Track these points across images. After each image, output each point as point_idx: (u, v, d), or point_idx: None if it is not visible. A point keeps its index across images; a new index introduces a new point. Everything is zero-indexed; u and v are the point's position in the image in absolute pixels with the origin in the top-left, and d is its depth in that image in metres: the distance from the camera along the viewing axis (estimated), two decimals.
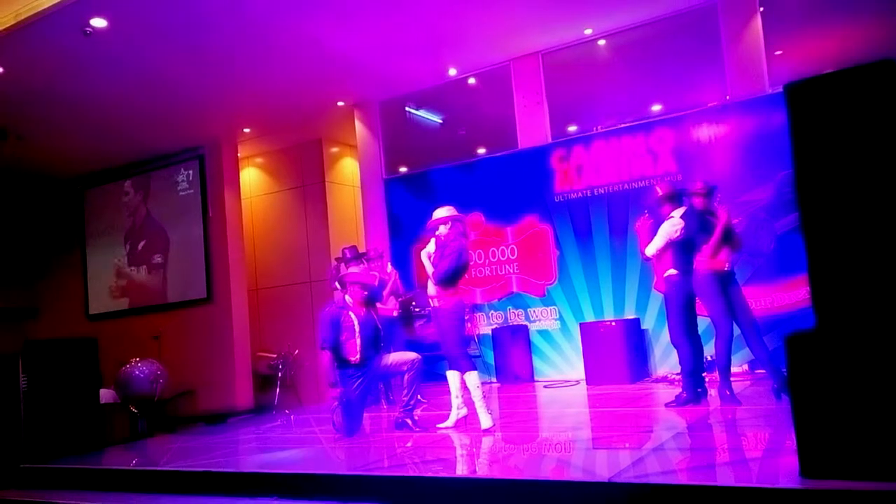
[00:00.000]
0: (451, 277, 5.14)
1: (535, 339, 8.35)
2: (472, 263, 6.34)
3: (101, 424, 6.78)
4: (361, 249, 8.04)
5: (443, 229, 5.26)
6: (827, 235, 2.92)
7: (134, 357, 9.26)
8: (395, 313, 7.17)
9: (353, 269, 6.53)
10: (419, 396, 6.11)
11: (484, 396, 5.10)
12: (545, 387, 7.64)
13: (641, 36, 8.10)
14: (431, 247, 5.28)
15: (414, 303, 7.59)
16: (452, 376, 5.20)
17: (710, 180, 5.55)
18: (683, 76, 8.16)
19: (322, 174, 10.98)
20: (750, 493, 2.86)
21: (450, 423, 5.27)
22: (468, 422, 5.25)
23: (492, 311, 8.66)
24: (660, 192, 5.62)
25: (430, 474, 3.95)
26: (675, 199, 5.51)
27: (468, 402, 5.21)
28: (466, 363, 5.13)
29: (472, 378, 5.06)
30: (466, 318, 5.44)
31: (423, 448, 4.72)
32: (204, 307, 10.40)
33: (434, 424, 5.35)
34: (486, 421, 5.00)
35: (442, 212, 5.31)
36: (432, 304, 5.31)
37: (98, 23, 6.72)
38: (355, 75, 8.79)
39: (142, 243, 11.18)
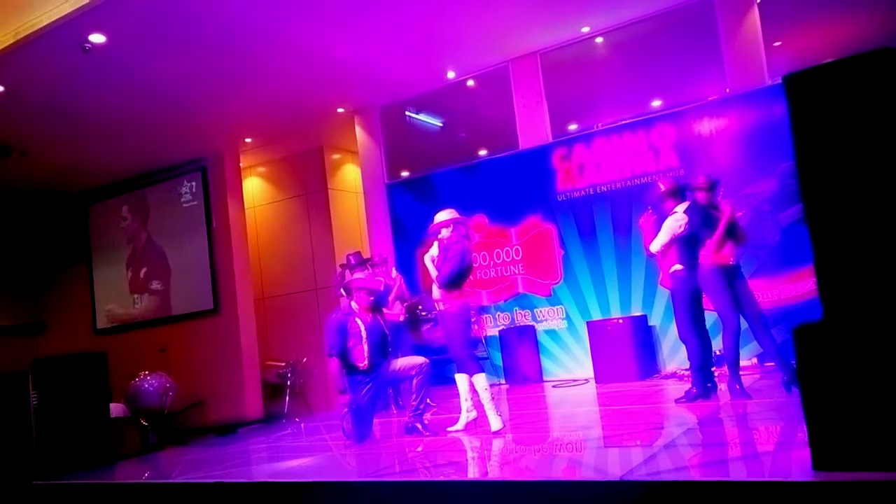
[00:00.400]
0: (454, 280, 5.14)
1: (543, 339, 8.33)
2: (475, 265, 6.34)
3: (111, 439, 6.78)
4: (365, 255, 8.05)
5: (445, 232, 5.26)
6: (831, 226, 2.90)
7: (143, 370, 9.28)
8: (401, 318, 7.17)
9: (359, 275, 6.53)
10: (428, 400, 6.11)
11: (493, 398, 5.10)
12: (554, 386, 7.63)
13: (639, 32, 8.10)
14: (434, 250, 5.28)
15: (420, 307, 7.58)
16: (461, 379, 5.19)
17: (712, 174, 5.54)
18: (682, 71, 8.15)
19: (324, 181, 11.00)
20: (763, 487, 2.85)
21: (459, 426, 5.26)
22: (478, 424, 5.24)
23: (498, 313, 8.66)
24: (662, 187, 5.61)
25: (441, 478, 3.94)
26: (678, 194, 5.49)
27: (477, 405, 5.21)
28: (474, 365, 5.13)
29: (480, 380, 5.06)
30: (472, 320, 5.43)
31: (433, 452, 4.71)
32: (211, 318, 10.42)
33: (444, 428, 5.35)
34: (495, 423, 4.99)
35: (443, 215, 5.32)
36: (438, 308, 5.30)
37: (96, 38, 6.75)
38: (354, 81, 8.80)
39: (143, 270, 11.22)
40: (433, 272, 5.22)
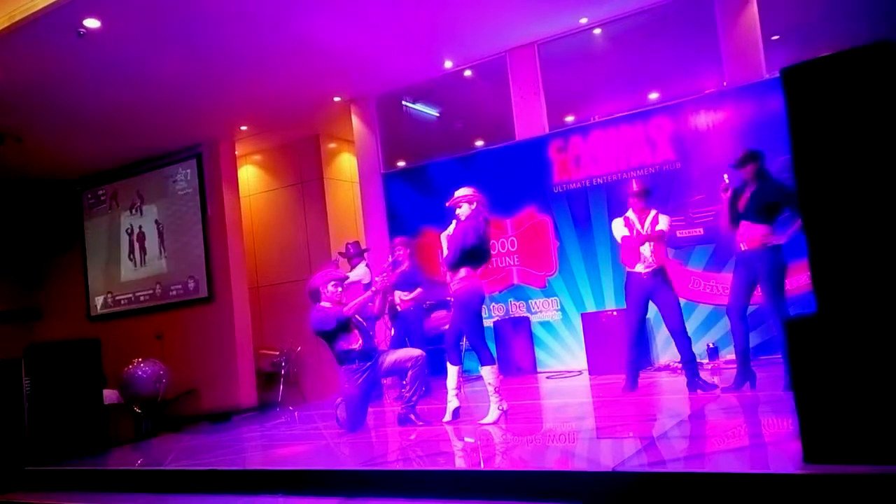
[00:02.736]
0: (459, 260, 5.02)
1: (537, 330, 8.35)
2: (490, 249, 5.81)
3: (105, 425, 6.78)
4: (363, 245, 8.05)
5: (465, 209, 5.13)
6: (826, 220, 2.91)
7: (136, 357, 9.27)
8: (398, 306, 7.13)
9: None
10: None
11: (497, 390, 5.03)
12: (548, 378, 7.64)
13: (637, 24, 8.07)
14: (451, 229, 5.20)
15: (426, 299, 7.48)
16: (451, 370, 5.18)
17: (749, 147, 5.28)
18: (680, 63, 8.14)
19: (320, 170, 10.96)
20: (753, 479, 2.86)
21: (449, 416, 5.26)
22: (472, 415, 5.25)
23: (493, 304, 8.65)
24: (636, 187, 5.69)
25: (434, 467, 3.95)
26: (648, 195, 5.68)
27: (465, 395, 5.21)
28: (488, 355, 5.05)
29: (487, 372, 5.02)
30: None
31: (427, 442, 4.73)
32: (205, 306, 10.41)
33: (438, 419, 5.35)
34: (492, 415, 4.98)
35: (464, 189, 5.23)
36: (452, 288, 5.16)
37: (91, 23, 6.70)
38: (351, 70, 8.76)
39: (137, 257, 11.18)
40: (445, 252, 5.15)
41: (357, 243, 7.79)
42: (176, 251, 10.79)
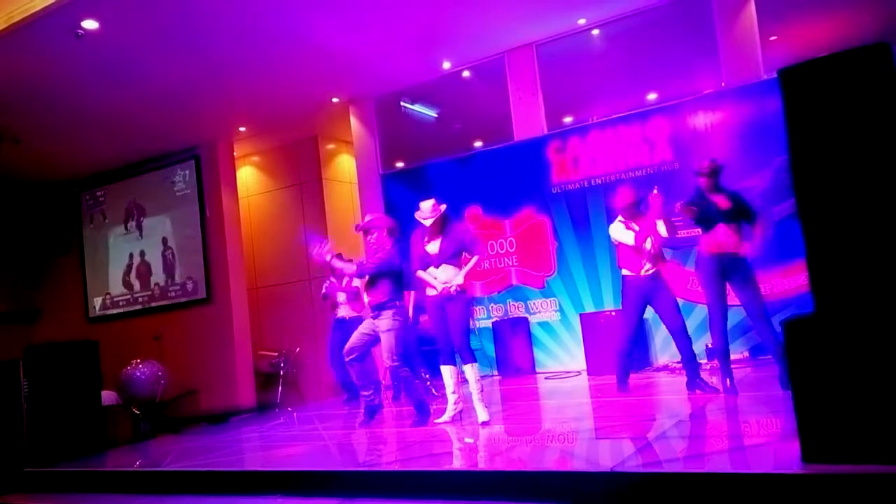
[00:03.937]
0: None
1: (536, 331, 8.35)
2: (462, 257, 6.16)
3: (103, 427, 6.77)
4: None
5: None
6: (824, 220, 2.91)
7: (135, 358, 9.26)
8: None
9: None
10: (433, 391, 6.13)
11: (482, 390, 5.08)
12: (546, 378, 7.64)
13: (635, 24, 8.08)
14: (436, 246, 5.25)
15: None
16: (447, 371, 5.19)
17: (717, 159, 5.39)
18: (678, 64, 8.15)
19: (319, 171, 10.96)
20: (752, 479, 2.87)
21: (446, 417, 5.26)
22: (469, 416, 5.25)
23: (492, 304, 8.66)
24: (627, 199, 5.70)
25: (433, 468, 3.95)
26: (637, 206, 5.68)
27: (465, 396, 5.23)
28: (471, 354, 5.09)
29: (474, 370, 5.05)
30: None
31: (425, 442, 4.72)
32: (204, 307, 10.40)
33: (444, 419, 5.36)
34: (482, 414, 5.00)
35: (429, 205, 5.25)
36: (452, 289, 5.08)
37: (89, 25, 6.70)
38: (349, 71, 8.76)
39: (136, 258, 11.18)
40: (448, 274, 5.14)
41: (340, 256, 7.74)
42: (174, 253, 10.77)
